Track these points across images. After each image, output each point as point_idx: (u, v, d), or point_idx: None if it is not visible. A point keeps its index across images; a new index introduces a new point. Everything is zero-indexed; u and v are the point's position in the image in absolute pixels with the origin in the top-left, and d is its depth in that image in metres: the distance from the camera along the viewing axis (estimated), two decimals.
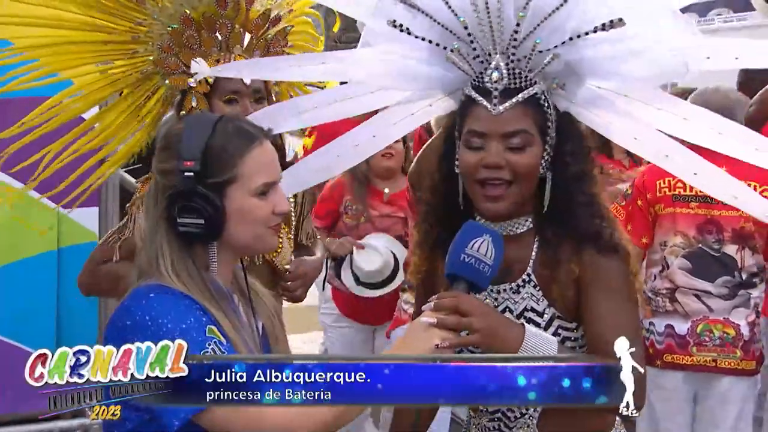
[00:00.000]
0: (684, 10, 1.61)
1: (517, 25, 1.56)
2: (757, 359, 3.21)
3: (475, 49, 1.61)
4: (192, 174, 1.47)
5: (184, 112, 2.25)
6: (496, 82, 1.59)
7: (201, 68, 2.18)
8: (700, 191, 3.09)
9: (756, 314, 3.16)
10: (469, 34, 1.59)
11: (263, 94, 2.25)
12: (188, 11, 2.27)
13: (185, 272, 1.49)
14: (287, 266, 2.37)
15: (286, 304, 2.62)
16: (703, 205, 3.15)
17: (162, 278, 1.49)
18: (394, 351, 1.50)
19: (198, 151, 1.48)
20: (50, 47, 2.29)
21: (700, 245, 3.17)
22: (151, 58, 2.31)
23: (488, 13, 1.56)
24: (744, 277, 3.16)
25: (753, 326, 3.17)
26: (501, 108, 1.59)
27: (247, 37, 2.32)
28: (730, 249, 3.14)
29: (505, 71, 1.59)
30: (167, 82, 2.28)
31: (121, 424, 1.46)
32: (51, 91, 2.42)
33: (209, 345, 1.40)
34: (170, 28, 2.27)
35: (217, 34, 2.27)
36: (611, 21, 1.51)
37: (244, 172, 1.51)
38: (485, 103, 1.60)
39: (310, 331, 5.27)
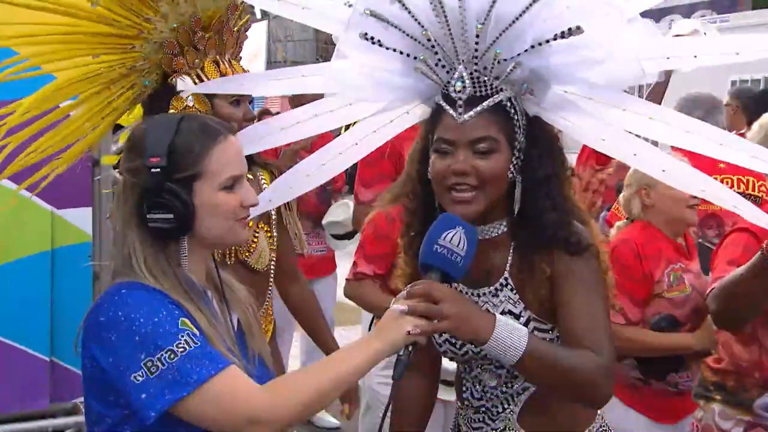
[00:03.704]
0: (668, 11, 1.66)
1: (477, 36, 1.60)
2: None
3: (440, 59, 1.64)
4: (159, 170, 1.49)
5: (173, 111, 2.27)
6: (459, 91, 1.63)
7: (186, 85, 2.22)
8: None
9: None
10: (433, 45, 1.63)
11: (251, 97, 2.35)
12: (198, 13, 2.30)
13: (158, 268, 1.51)
14: (264, 267, 2.40)
15: (279, 303, 2.67)
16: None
17: (135, 276, 1.50)
18: (369, 340, 1.51)
19: (163, 147, 1.50)
20: (58, 36, 2.27)
21: (700, 240, 3.21)
22: (143, 54, 2.31)
23: (447, 24, 1.60)
24: None
25: None
26: (466, 116, 1.62)
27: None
28: None
29: (468, 80, 1.63)
30: (147, 82, 2.30)
31: (101, 421, 1.50)
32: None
33: (182, 337, 1.42)
34: (173, 27, 2.29)
35: (223, 37, 2.32)
36: (570, 29, 1.55)
37: (209, 167, 1.52)
38: (451, 111, 1.64)
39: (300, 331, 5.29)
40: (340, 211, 4.40)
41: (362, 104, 1.84)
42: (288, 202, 2.46)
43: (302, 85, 2.02)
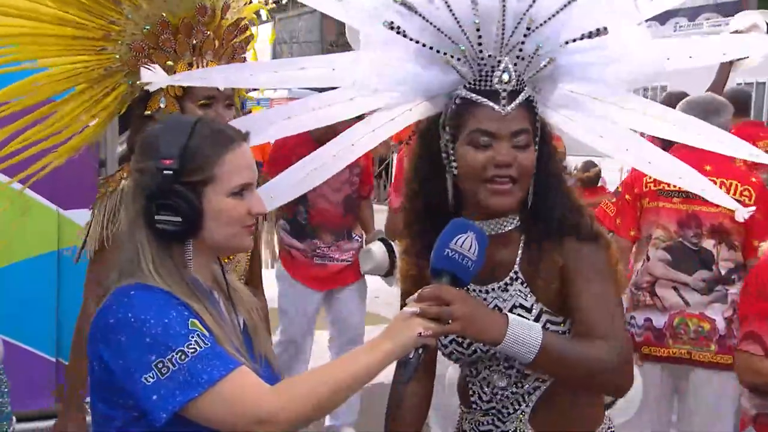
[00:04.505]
0: (674, 14, 1.71)
1: (528, 28, 1.61)
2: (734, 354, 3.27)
3: (482, 51, 1.64)
4: (170, 172, 1.49)
5: (149, 111, 2.27)
6: (506, 83, 1.64)
7: (156, 77, 2.16)
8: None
9: (733, 310, 3.21)
10: (480, 36, 1.62)
11: (233, 100, 2.30)
12: (165, 15, 2.30)
13: (165, 270, 1.50)
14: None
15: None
16: (685, 201, 3.25)
17: (143, 277, 1.49)
18: (379, 341, 1.50)
19: (176, 150, 1.50)
20: (21, 37, 2.29)
21: (680, 239, 3.28)
22: (117, 56, 2.32)
23: (504, 13, 1.60)
24: (722, 272, 3.25)
25: (730, 322, 3.23)
26: (509, 108, 1.64)
27: (216, 42, 2.35)
28: (708, 243, 3.25)
29: (513, 73, 1.64)
30: (138, 82, 2.28)
31: (108, 423, 1.49)
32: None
33: (192, 338, 1.42)
34: (145, 30, 2.29)
35: (192, 39, 2.30)
36: (597, 29, 1.57)
37: (221, 173, 1.52)
38: (490, 103, 1.64)
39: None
40: (366, 259, 4.33)
41: (363, 101, 1.84)
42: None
43: (301, 79, 1.99)
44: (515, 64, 1.64)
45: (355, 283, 4.44)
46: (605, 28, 1.56)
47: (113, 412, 1.48)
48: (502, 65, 1.64)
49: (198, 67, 2.28)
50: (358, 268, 4.44)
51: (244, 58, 2.45)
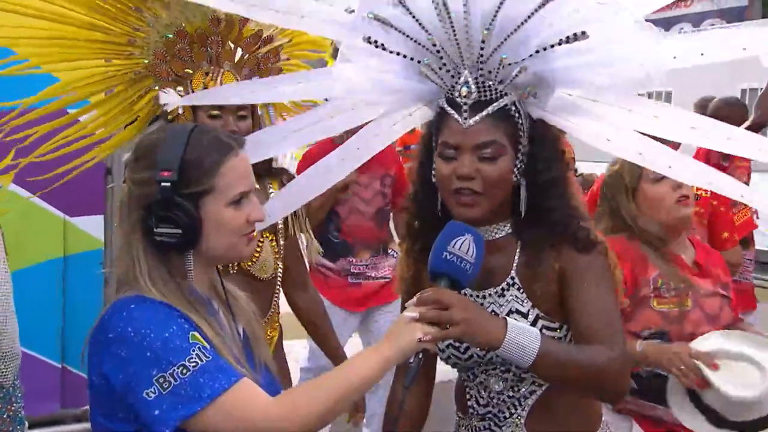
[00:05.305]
0: (678, 20, 1.66)
1: (483, 41, 1.60)
2: None
3: (445, 63, 1.65)
4: (169, 184, 1.46)
5: (171, 117, 2.29)
6: (465, 96, 1.64)
7: (170, 98, 2.21)
8: None
9: None
10: (438, 51, 1.63)
11: (247, 112, 2.30)
12: (183, 24, 2.34)
13: (162, 281, 1.48)
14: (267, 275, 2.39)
15: (285, 309, 2.67)
16: None
17: (140, 288, 1.47)
18: (379, 347, 1.49)
19: (175, 161, 1.47)
20: (49, 40, 2.33)
21: None
22: (145, 61, 2.36)
23: (453, 29, 1.60)
24: None
25: None
26: (471, 121, 1.63)
27: (239, 52, 2.38)
28: None
29: (473, 86, 1.64)
30: (157, 87, 2.33)
31: None
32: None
33: (193, 351, 1.40)
34: (164, 38, 2.33)
35: (209, 48, 2.33)
36: (575, 34, 1.56)
37: (220, 183, 1.50)
38: (456, 116, 1.65)
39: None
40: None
41: (364, 110, 1.84)
42: (294, 210, 2.44)
43: (306, 91, 2.01)
44: (480, 76, 1.63)
45: (394, 301, 4.05)
46: (584, 33, 1.55)
47: (114, 426, 1.47)
48: (462, 78, 1.64)
49: (214, 76, 2.31)
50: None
51: (279, 68, 2.44)
